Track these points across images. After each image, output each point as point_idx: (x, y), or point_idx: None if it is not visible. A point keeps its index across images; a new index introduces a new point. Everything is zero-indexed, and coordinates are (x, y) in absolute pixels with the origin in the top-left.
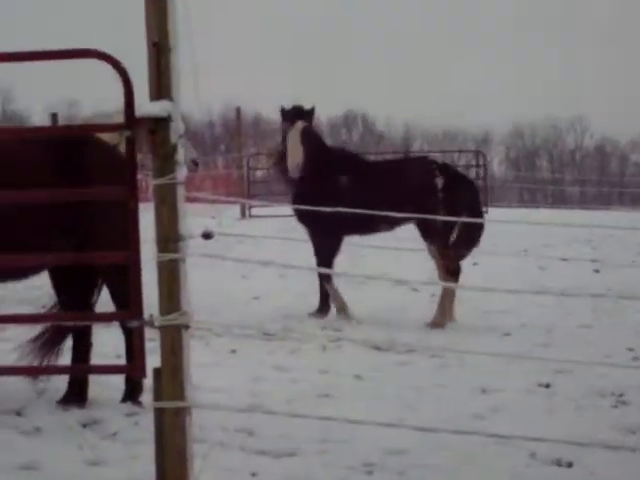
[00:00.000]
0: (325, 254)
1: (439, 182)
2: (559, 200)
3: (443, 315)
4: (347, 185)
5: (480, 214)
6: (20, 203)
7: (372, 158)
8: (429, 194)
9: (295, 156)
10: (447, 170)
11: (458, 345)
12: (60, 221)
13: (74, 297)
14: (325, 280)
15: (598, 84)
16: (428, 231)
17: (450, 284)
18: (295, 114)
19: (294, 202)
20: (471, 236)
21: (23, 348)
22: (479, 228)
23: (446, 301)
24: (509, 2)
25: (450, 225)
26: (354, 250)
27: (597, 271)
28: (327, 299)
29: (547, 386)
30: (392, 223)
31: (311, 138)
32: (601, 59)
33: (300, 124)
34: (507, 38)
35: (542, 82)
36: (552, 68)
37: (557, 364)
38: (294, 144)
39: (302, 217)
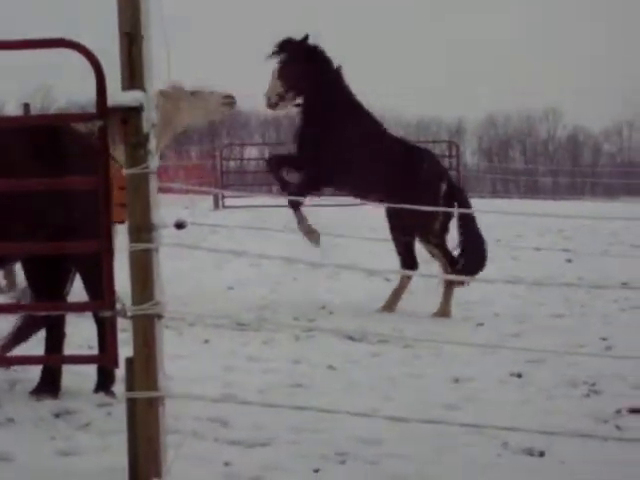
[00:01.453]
0: (305, 187)
1: (443, 187)
2: (532, 190)
3: (448, 304)
4: (356, 142)
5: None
6: None
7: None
8: (432, 195)
9: (269, 90)
10: (448, 176)
11: (431, 335)
12: (34, 210)
13: (47, 287)
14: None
15: (571, 74)
16: (426, 230)
17: (422, 273)
18: (277, 49)
19: (299, 133)
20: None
21: None
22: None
23: (450, 292)
24: None
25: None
26: (327, 240)
27: (569, 261)
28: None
29: (519, 376)
30: (381, 199)
31: (292, 70)
32: (574, 49)
33: (276, 63)
34: (480, 27)
35: (515, 72)
36: (524, 58)
37: (530, 354)
38: (271, 80)
39: (302, 149)
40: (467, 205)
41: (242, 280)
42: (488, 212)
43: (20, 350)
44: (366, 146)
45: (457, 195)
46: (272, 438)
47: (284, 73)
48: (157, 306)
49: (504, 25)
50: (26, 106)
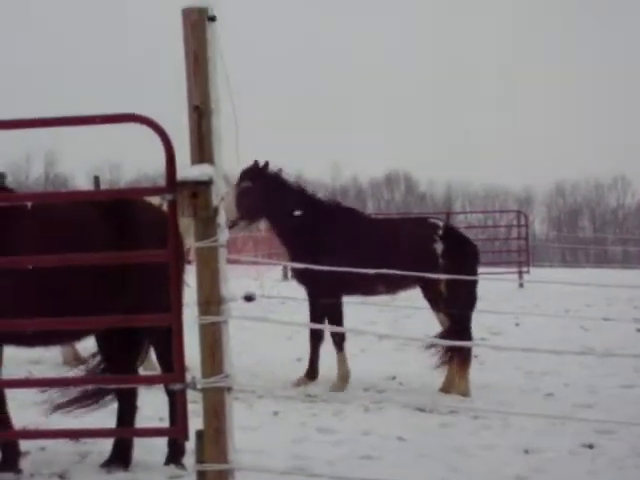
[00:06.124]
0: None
1: (439, 247)
2: (601, 259)
3: (467, 381)
4: (342, 243)
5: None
6: (70, 266)
7: (373, 216)
8: (428, 260)
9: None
10: (449, 234)
11: (501, 406)
12: (109, 283)
13: (120, 360)
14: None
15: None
16: (431, 297)
17: (492, 345)
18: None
19: (291, 260)
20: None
21: (64, 407)
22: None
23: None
24: (549, 57)
25: (455, 291)
26: (398, 311)
27: None
28: (315, 363)
29: (590, 446)
30: (390, 287)
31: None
32: None
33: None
34: (550, 96)
35: (584, 141)
36: (594, 126)
37: (600, 424)
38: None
39: (299, 276)
40: (474, 255)
41: None
42: (556, 283)
43: (91, 423)
44: (358, 246)
45: (461, 249)
46: None
47: (239, 201)
48: (227, 379)
49: (575, 92)
50: (96, 179)
